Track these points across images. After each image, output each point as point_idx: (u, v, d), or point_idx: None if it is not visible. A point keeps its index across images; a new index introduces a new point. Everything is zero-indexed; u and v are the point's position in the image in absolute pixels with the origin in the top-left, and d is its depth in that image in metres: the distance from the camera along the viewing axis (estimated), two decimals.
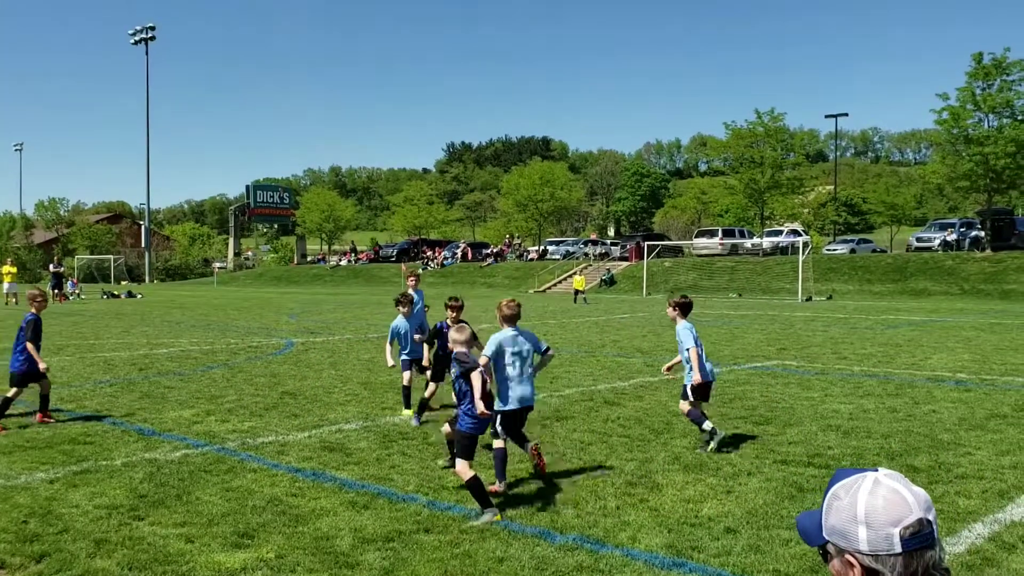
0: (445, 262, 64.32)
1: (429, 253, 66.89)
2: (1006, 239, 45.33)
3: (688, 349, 8.47)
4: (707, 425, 8.30)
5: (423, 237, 78.46)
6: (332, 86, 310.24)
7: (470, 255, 65.33)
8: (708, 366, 8.56)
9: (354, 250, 79.28)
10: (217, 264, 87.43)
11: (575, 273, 50.22)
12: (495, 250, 65.48)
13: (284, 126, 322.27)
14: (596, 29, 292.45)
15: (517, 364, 7.17)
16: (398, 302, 11.06)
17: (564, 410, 10.55)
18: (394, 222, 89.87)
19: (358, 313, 30.85)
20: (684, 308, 8.84)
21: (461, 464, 6.28)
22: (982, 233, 45.59)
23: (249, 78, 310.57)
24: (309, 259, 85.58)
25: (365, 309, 33.49)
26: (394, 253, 71.24)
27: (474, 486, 6.12)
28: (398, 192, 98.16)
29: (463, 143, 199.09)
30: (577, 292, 39.88)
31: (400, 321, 10.83)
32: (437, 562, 5.30)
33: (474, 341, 7.08)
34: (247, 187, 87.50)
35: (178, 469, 7.63)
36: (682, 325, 8.67)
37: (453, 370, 6.62)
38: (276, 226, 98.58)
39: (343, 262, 74.72)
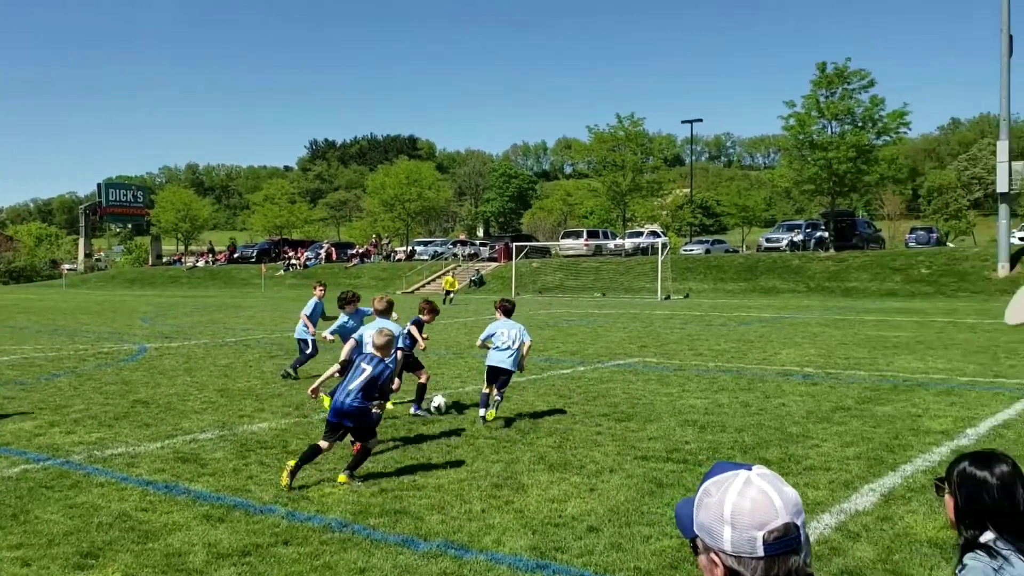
0: (308, 263, 62.92)
1: (291, 254, 65.27)
2: (848, 239, 48.17)
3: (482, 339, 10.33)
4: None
5: (285, 237, 76.52)
6: (189, 81, 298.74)
7: (335, 255, 64.16)
8: (502, 356, 9.90)
9: (212, 251, 76.55)
10: (66, 266, 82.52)
11: (447, 273, 50.17)
12: (361, 250, 64.56)
13: (138, 122, 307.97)
14: (463, 31, 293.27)
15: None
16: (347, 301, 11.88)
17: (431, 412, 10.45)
18: (254, 221, 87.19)
19: (215, 316, 29.77)
20: (505, 310, 10.44)
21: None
22: (826, 234, 48.22)
23: (101, 71, 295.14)
24: (165, 260, 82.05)
25: (223, 312, 32.35)
26: (254, 254, 69.19)
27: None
28: (258, 191, 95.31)
29: (327, 140, 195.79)
30: (447, 293, 39.79)
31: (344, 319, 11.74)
32: (296, 575, 5.12)
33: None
34: (99, 185, 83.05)
35: (16, 486, 7.10)
36: (497, 323, 10.16)
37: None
38: (130, 226, 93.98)
39: (200, 263, 72.02)
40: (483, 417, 9.74)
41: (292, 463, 7.12)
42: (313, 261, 63.43)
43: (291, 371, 13.62)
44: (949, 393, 11.45)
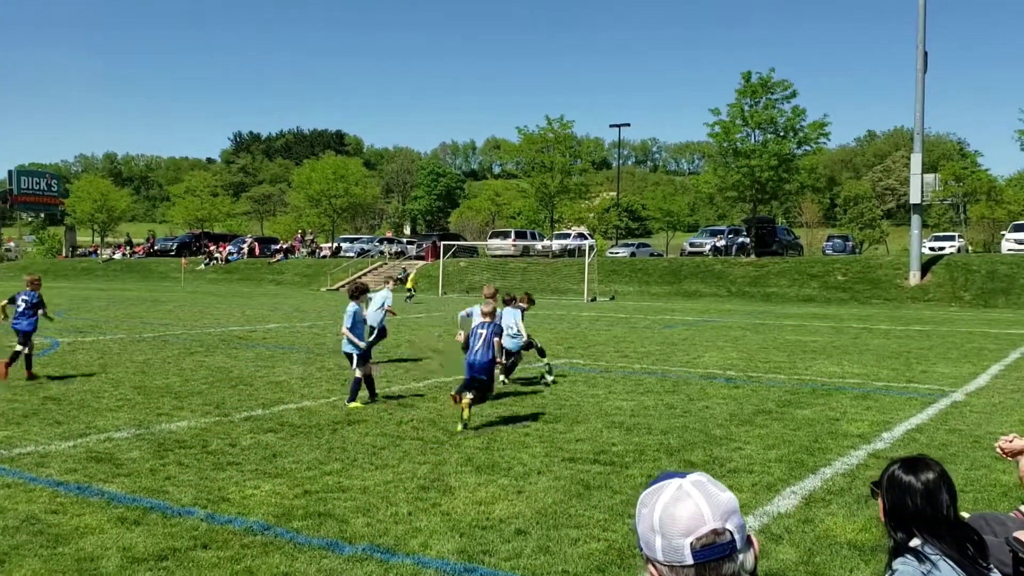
0: (230, 257, 61.58)
1: (212, 248, 63.78)
2: (768, 246, 49.34)
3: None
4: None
5: (206, 231, 74.76)
6: (109, 67, 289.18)
7: (257, 250, 62.97)
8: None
9: (129, 243, 74.34)
10: None
11: (406, 273, 49.65)
12: (285, 246, 63.49)
13: (53, 108, 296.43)
14: (392, 27, 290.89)
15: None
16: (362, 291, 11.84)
17: (356, 413, 10.30)
18: (174, 214, 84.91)
19: (132, 311, 28.89)
20: (354, 293, 11.24)
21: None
22: (748, 240, 49.30)
23: (13, 53, 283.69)
24: (79, 252, 79.36)
25: (140, 306, 31.42)
26: (174, 247, 67.42)
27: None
28: (179, 182, 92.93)
29: (251, 133, 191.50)
30: (410, 291, 39.17)
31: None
32: None
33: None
34: (9, 172, 79.96)
35: None
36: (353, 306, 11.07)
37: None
38: (42, 215, 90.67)
39: (117, 255, 69.87)
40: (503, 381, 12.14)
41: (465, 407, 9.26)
42: (235, 256, 62.12)
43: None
44: (865, 397, 11.78)
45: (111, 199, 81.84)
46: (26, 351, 12.75)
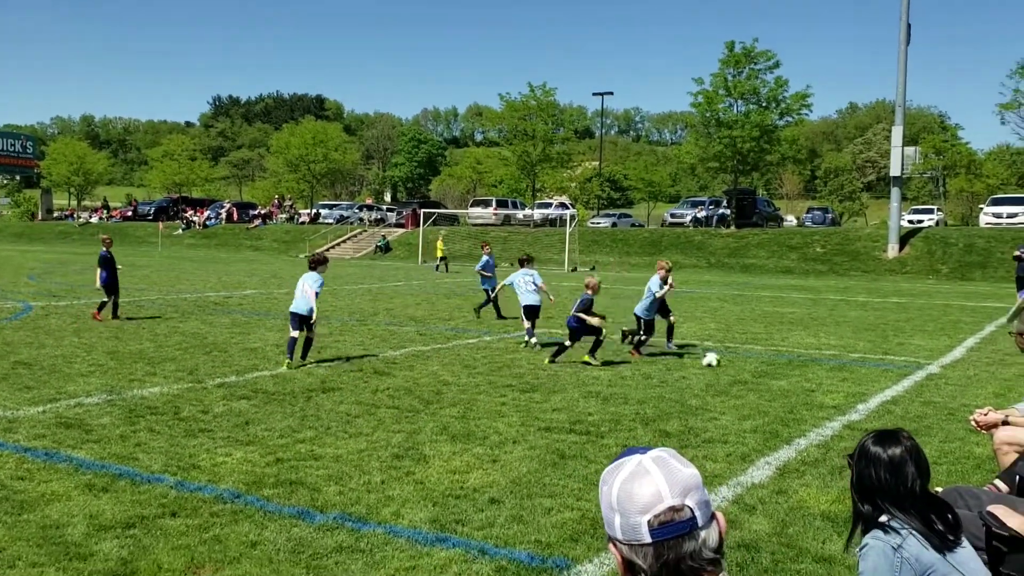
0: (208, 223, 60.98)
1: (190, 212, 63.12)
2: (748, 217, 49.38)
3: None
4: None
5: (184, 195, 73.97)
6: (86, 29, 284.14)
7: (236, 216, 62.32)
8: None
9: (106, 206, 73.43)
10: None
11: (385, 240, 49.25)
12: (263, 211, 62.89)
13: (29, 69, 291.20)
14: None
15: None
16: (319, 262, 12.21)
17: (331, 381, 10.23)
18: (151, 178, 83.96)
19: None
20: (313, 263, 11.83)
21: None
22: (728, 211, 49.34)
23: None
24: (55, 215, 78.35)
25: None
26: (151, 211, 66.67)
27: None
28: (158, 146, 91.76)
29: (230, 97, 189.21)
30: (441, 259, 38.68)
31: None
32: (183, 549, 4.89)
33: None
34: None
35: None
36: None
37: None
38: (18, 178, 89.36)
39: (94, 219, 69.03)
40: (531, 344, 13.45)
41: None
42: (214, 221, 61.51)
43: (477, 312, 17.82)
44: (841, 369, 11.82)
45: (88, 162, 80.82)
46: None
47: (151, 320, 15.94)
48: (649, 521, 1.49)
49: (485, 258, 18.55)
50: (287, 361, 11.12)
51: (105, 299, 15.90)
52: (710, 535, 1.53)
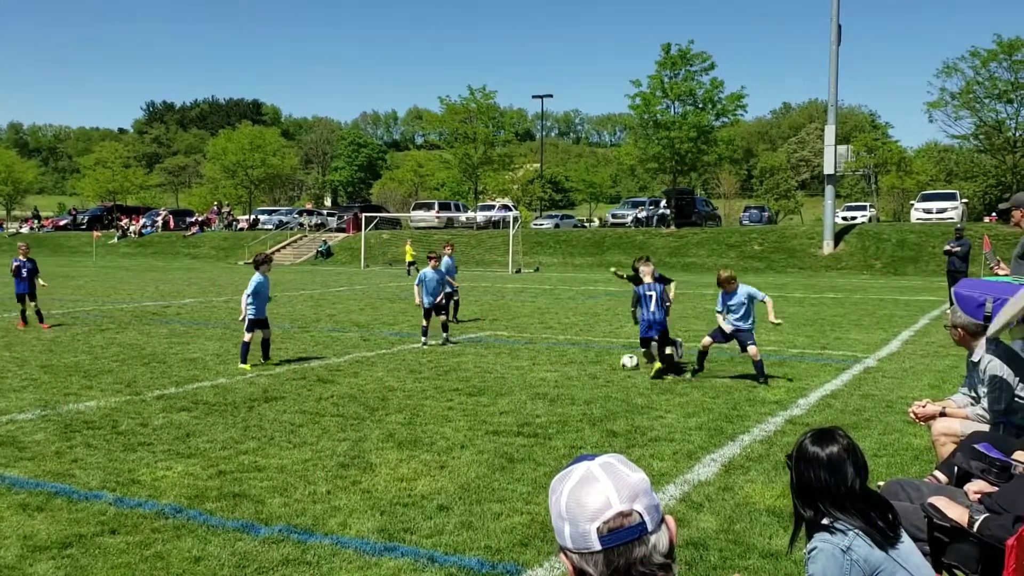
0: (144, 231, 59.63)
1: (125, 221, 61.64)
2: (687, 216, 49.99)
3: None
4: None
5: (119, 203, 72.23)
6: (11, 32, 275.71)
7: (172, 223, 61.08)
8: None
9: (37, 216, 71.34)
10: None
11: (327, 245, 48.56)
12: (200, 218, 61.73)
13: None
14: None
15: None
16: (430, 258, 14.87)
17: (274, 390, 10.06)
18: (84, 186, 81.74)
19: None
20: (255, 264, 12.33)
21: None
22: (668, 211, 49.90)
23: None
24: None
25: (50, 282, 30.10)
26: (85, 220, 64.97)
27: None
28: (90, 153, 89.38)
29: (164, 102, 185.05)
30: (410, 263, 38.11)
31: (429, 272, 14.39)
32: (123, 568, 4.75)
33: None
34: None
35: None
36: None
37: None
38: None
39: (24, 229, 67.02)
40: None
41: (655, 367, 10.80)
42: (150, 229, 60.16)
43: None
44: (781, 364, 12.03)
45: (16, 171, 78.33)
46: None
47: (86, 331, 15.52)
48: (598, 528, 1.47)
49: (447, 259, 17.59)
50: (243, 366, 11.57)
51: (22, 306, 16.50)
52: (660, 540, 1.52)
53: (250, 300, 11.96)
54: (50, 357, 12.45)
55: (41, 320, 16.25)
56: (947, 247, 22.07)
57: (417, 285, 14.49)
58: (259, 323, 12.05)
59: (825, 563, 2.86)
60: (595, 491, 1.50)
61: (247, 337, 11.86)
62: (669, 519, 1.56)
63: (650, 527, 1.50)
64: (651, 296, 11.21)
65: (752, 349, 10.61)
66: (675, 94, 46.45)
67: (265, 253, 13.29)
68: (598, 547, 1.48)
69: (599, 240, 46.72)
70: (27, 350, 13.17)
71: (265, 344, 12.21)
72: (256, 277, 12.11)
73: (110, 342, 14.12)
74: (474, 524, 5.47)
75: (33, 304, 16.46)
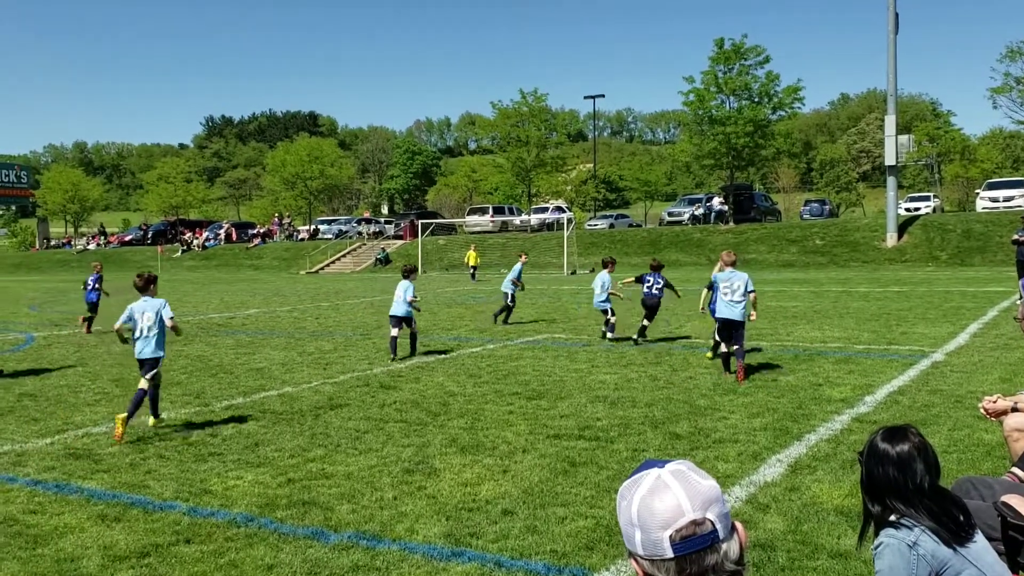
0: (207, 244, 61.03)
1: (188, 235, 63.14)
2: (746, 212, 49.38)
3: None
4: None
5: (182, 217, 74.00)
6: (74, 54, 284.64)
7: (234, 236, 62.39)
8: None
9: (103, 232, 73.48)
10: None
11: (385, 252, 49.26)
12: (262, 230, 62.93)
13: (19, 98, 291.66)
14: (363, 3, 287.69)
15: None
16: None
17: (338, 397, 10.22)
18: (147, 202, 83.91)
19: (108, 302, 28.50)
20: (405, 273, 13.95)
21: None
22: (726, 207, 49.35)
23: None
24: (53, 243, 78.38)
25: (117, 297, 30.99)
26: (150, 235, 66.74)
27: None
28: (152, 169, 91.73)
29: (223, 117, 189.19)
30: (473, 268, 38.45)
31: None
32: None
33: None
34: None
35: None
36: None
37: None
38: (13, 208, 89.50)
39: (91, 246, 69.08)
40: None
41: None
42: (213, 242, 61.55)
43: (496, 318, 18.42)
44: (847, 361, 11.82)
45: (82, 189, 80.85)
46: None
47: None
48: (671, 536, 1.49)
49: (519, 267, 19.77)
50: (391, 357, 13.15)
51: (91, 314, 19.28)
52: (731, 547, 1.53)
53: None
54: (121, 371, 12.82)
55: (88, 327, 19.11)
56: (1016, 236, 21.42)
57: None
58: (404, 320, 13.60)
59: (892, 558, 2.86)
60: (667, 499, 1.51)
61: (395, 332, 13.42)
62: (739, 525, 1.57)
63: (722, 535, 1.52)
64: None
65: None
66: (730, 89, 45.90)
67: (412, 264, 15.54)
68: (670, 555, 1.50)
69: (655, 239, 46.42)
70: (99, 365, 13.58)
71: (412, 338, 13.80)
72: (409, 284, 13.71)
73: (178, 354, 14.48)
74: (539, 528, 5.50)
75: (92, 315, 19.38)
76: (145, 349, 8.87)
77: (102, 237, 71.57)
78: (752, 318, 11.30)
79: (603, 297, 15.10)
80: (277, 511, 5.99)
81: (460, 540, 5.34)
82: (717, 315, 11.36)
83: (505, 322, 18.05)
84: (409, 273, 14.04)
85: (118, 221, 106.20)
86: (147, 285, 9.11)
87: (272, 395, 10.51)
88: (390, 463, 7.17)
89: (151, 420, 8.90)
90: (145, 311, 8.89)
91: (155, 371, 8.85)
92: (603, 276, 15.31)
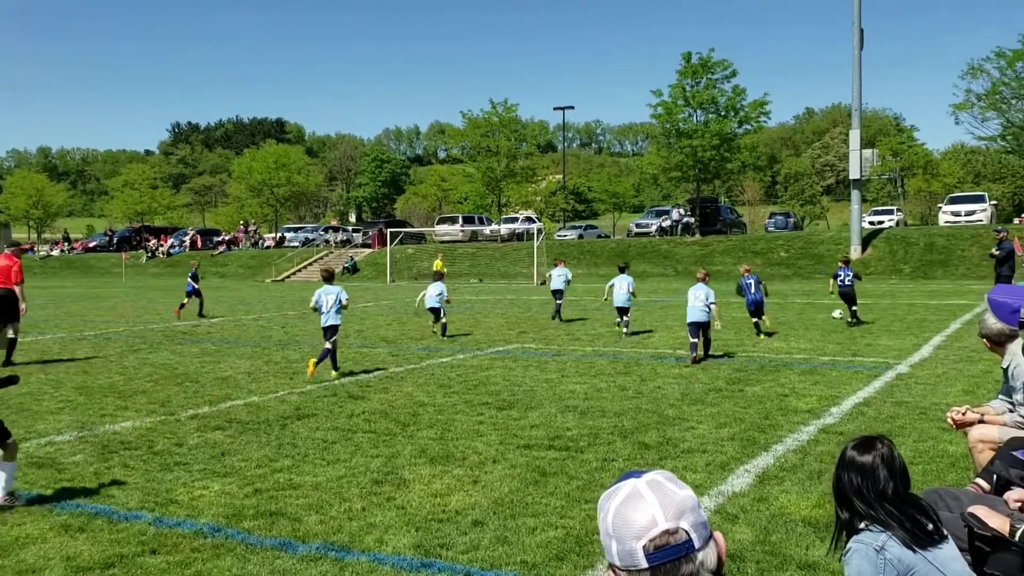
0: (172, 251, 60.30)
1: (153, 241, 62.39)
2: (712, 224, 49.81)
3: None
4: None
5: (146, 224, 73.17)
6: (39, 57, 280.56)
7: (200, 243, 61.73)
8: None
9: (67, 239, 72.42)
10: None
11: (353, 261, 48.90)
12: (227, 237, 62.33)
13: None
14: (332, 11, 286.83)
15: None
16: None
17: (305, 407, 10.14)
18: (112, 208, 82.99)
19: (72, 308, 28.14)
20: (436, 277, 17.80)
21: None
22: (692, 220, 49.72)
23: None
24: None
25: (80, 304, 30.63)
26: (114, 242, 65.85)
27: None
28: (117, 176, 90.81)
29: (190, 123, 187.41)
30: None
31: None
32: None
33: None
34: None
35: None
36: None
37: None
38: None
39: (55, 252, 68.02)
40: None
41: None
42: (177, 248, 60.85)
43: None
44: (812, 372, 11.95)
45: (46, 194, 79.78)
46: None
47: (119, 352, 15.72)
48: (645, 546, 1.49)
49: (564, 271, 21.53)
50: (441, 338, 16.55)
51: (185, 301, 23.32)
52: (708, 556, 1.54)
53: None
54: (85, 379, 12.62)
55: (201, 312, 23.50)
56: (993, 251, 22.23)
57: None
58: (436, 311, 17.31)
59: (860, 563, 2.93)
60: (641, 509, 1.52)
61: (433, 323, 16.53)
62: (717, 535, 1.58)
63: (697, 544, 1.52)
64: (749, 284, 16.42)
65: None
66: (697, 102, 46.33)
67: (439, 270, 20.78)
68: (645, 565, 1.50)
69: (623, 250, 46.64)
70: (62, 372, 13.36)
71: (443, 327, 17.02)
72: (440, 286, 17.44)
73: (143, 362, 14.30)
74: (509, 539, 5.49)
75: (196, 300, 23.47)
76: (328, 319, 12.25)
77: (66, 243, 70.52)
78: (717, 327, 14.12)
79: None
80: (244, 521, 5.92)
81: (430, 551, 5.31)
82: (688, 318, 13.63)
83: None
84: (440, 277, 18.34)
85: (82, 227, 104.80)
86: (329, 277, 12.69)
87: (238, 404, 10.40)
88: (359, 473, 7.12)
89: (333, 373, 12.23)
90: (328, 294, 12.22)
91: (335, 336, 12.23)
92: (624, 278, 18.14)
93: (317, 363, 11.97)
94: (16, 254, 15.51)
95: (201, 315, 23.01)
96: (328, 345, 12.18)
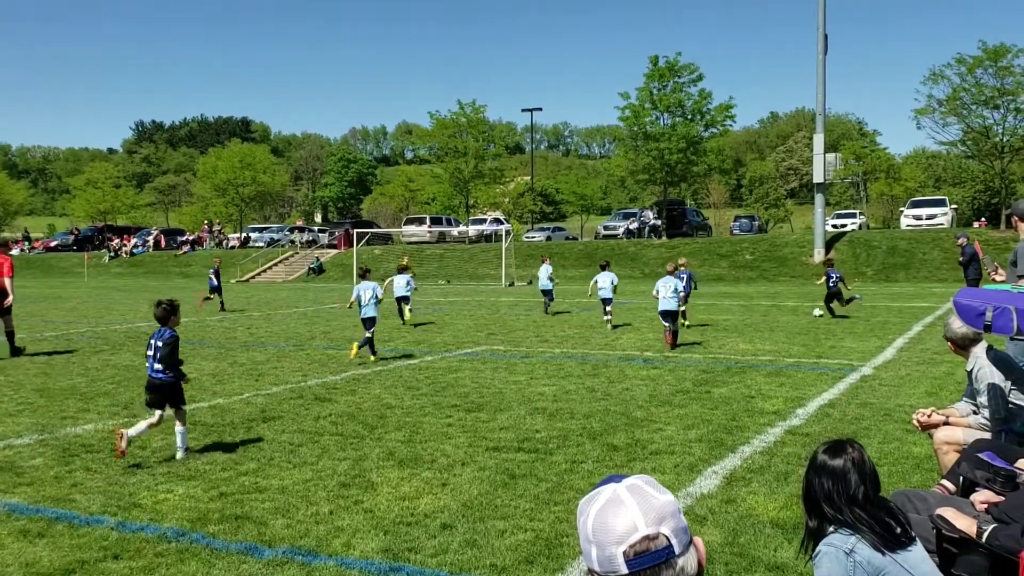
0: (135, 250, 59.52)
1: (116, 241, 61.52)
2: (679, 227, 50.17)
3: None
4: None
5: (109, 223, 72.10)
6: None
7: (163, 243, 61.00)
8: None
9: (27, 238, 71.16)
10: None
11: (319, 262, 48.48)
12: (192, 237, 61.65)
13: None
14: (298, 9, 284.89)
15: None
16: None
17: (271, 409, 10.03)
18: (74, 207, 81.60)
19: (32, 309, 27.61)
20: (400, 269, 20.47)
21: None
22: (659, 222, 50.04)
23: None
24: None
25: (41, 304, 30.08)
26: (78, 240, 64.84)
27: None
28: (80, 174, 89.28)
29: (154, 122, 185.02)
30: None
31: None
32: None
33: None
34: None
35: None
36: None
37: None
38: None
39: (15, 251, 66.77)
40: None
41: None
42: (141, 248, 60.06)
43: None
44: (778, 374, 12.05)
45: (6, 192, 78.26)
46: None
47: (81, 354, 15.45)
48: (625, 552, 1.48)
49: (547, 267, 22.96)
50: (401, 322, 19.49)
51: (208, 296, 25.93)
52: (688, 562, 1.52)
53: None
54: (45, 380, 12.39)
55: (222, 307, 25.67)
56: (960, 260, 22.89)
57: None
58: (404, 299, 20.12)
59: (829, 566, 2.94)
60: (621, 514, 1.50)
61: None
62: (698, 541, 1.57)
63: (677, 550, 1.51)
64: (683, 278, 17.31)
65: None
66: (664, 106, 46.66)
67: (405, 264, 22.46)
68: (625, 571, 1.48)
69: (591, 252, 46.80)
70: (22, 373, 13.11)
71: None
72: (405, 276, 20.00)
73: (105, 364, 14.07)
74: (478, 542, 5.46)
75: (218, 298, 26.11)
76: (367, 311, 14.11)
77: (26, 242, 69.30)
78: (685, 324, 17.19)
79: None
80: (209, 526, 5.84)
81: (398, 555, 5.27)
82: (660, 307, 15.14)
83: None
84: (406, 270, 20.57)
85: (43, 226, 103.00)
86: (364, 274, 14.92)
87: (203, 407, 10.26)
88: (326, 477, 7.05)
89: (372, 358, 13.93)
90: (365, 289, 14.14)
91: (373, 327, 14.12)
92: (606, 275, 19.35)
93: (360, 347, 13.86)
94: (5, 251, 16.11)
95: (223, 310, 25.11)
96: (368, 334, 13.93)
